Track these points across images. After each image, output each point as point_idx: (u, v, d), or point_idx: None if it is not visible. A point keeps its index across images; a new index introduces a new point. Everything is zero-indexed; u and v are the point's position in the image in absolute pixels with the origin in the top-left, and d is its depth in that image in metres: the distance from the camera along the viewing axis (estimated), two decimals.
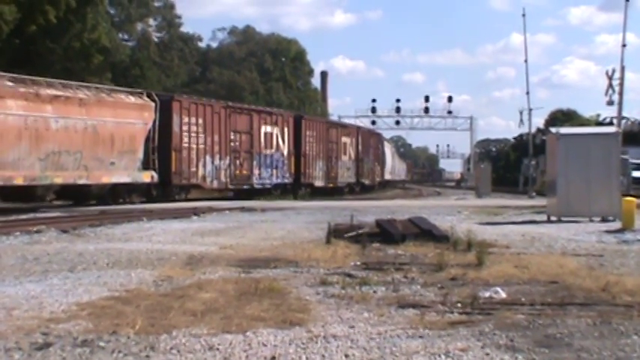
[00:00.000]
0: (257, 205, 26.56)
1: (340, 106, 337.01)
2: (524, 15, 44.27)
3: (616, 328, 6.34)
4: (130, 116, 27.31)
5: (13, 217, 19.43)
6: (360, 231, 13.51)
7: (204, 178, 31.89)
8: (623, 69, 34.51)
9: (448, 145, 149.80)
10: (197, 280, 8.73)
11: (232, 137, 33.88)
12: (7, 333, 6.02)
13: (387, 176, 65.79)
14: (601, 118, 63.81)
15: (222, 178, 33.25)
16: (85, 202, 26.48)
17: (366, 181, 53.61)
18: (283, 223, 18.32)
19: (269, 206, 25.90)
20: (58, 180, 24.48)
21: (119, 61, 48.80)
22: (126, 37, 57.18)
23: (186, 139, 30.48)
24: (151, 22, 60.67)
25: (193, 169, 31.01)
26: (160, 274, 9.24)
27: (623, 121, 45.90)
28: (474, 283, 8.57)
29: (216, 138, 32.52)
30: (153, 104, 28.55)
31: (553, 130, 21.43)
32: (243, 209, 23.99)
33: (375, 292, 8.11)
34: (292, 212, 22.67)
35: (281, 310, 6.97)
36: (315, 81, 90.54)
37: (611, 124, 45.30)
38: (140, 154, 27.82)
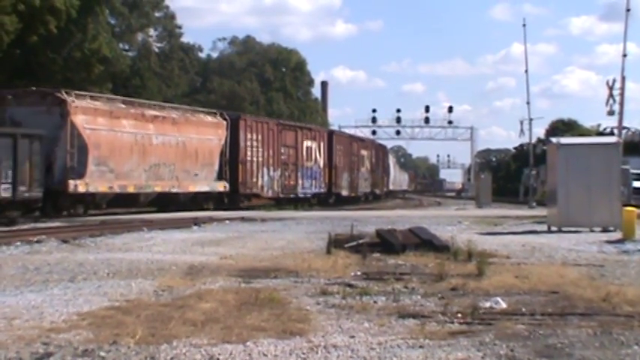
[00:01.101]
0: (257, 215, 26.64)
1: (340, 116, 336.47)
2: (524, 25, 44.28)
3: (617, 338, 6.34)
4: (208, 133, 31.71)
5: (15, 228, 19.45)
6: (361, 241, 13.51)
7: (262, 187, 35.70)
8: (623, 79, 34.44)
9: (448, 155, 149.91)
10: (197, 290, 8.73)
11: (282, 151, 37.61)
12: (8, 343, 6.02)
13: (391, 186, 68.01)
14: (602, 128, 63.86)
15: (275, 188, 37.02)
16: (170, 208, 29.05)
17: (377, 191, 57.02)
18: (283, 233, 18.32)
19: (269, 216, 25.95)
20: (157, 189, 28.46)
21: (120, 71, 48.76)
22: (126, 47, 57.14)
23: (249, 153, 34.37)
24: (152, 32, 60.64)
25: (254, 179, 34.93)
26: (160, 284, 9.25)
27: (624, 131, 45.95)
28: (474, 293, 8.57)
29: (270, 152, 36.33)
30: (225, 122, 32.81)
31: (553, 140, 21.41)
32: (243, 219, 24.00)
33: (375, 302, 8.11)
34: (292, 222, 22.69)
35: (281, 320, 6.97)
36: (316, 91, 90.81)
37: (611, 134, 45.31)
38: (216, 167, 32.01)
